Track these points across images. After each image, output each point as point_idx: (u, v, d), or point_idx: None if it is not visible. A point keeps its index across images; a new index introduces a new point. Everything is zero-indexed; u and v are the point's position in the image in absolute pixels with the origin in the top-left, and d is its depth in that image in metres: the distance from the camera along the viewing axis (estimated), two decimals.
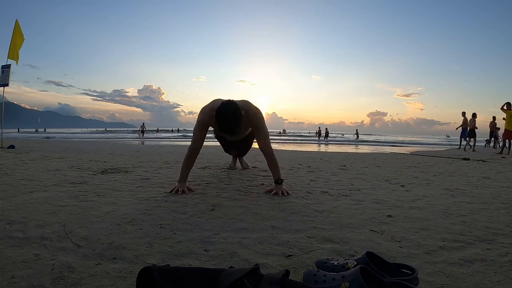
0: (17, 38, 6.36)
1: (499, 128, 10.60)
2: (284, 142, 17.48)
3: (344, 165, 3.77)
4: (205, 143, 2.09)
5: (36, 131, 48.17)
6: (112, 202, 1.63)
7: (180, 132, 37.80)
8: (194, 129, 2.06)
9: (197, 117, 2.07)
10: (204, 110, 2.02)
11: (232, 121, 1.74)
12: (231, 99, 1.86)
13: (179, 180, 1.97)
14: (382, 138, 31.83)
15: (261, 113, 2.06)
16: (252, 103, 2.06)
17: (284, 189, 1.91)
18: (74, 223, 1.27)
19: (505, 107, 7.86)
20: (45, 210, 1.46)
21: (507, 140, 8.08)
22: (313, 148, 10.66)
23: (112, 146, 8.27)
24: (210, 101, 2.09)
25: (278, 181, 1.94)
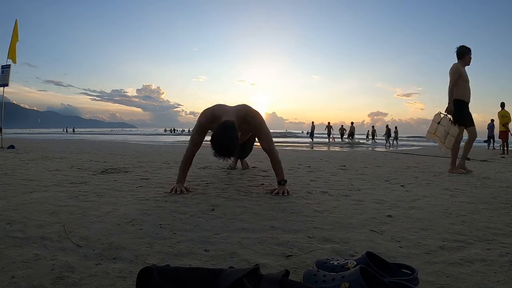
0: (14, 38, 6.37)
1: None
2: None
3: (344, 165, 3.77)
4: (205, 143, 2.09)
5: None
6: (112, 202, 1.63)
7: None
8: (192, 131, 2.05)
9: (198, 118, 2.07)
10: (206, 114, 2.01)
11: (227, 150, 1.72)
12: (230, 120, 1.81)
13: (178, 181, 1.97)
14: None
15: (260, 115, 2.05)
16: (251, 107, 2.05)
17: (286, 189, 1.91)
18: (74, 223, 1.27)
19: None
20: (45, 210, 1.46)
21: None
22: (309, 147, 10.66)
23: (112, 146, 8.27)
24: (213, 105, 2.07)
25: (281, 182, 1.95)
